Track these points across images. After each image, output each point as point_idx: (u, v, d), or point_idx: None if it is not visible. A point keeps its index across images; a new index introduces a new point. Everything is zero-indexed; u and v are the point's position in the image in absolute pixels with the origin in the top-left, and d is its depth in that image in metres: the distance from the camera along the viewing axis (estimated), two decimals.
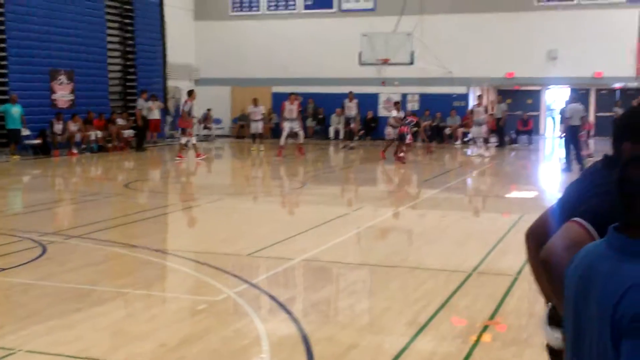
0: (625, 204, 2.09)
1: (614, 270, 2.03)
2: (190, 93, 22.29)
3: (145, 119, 25.81)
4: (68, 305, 6.64)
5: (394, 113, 23.19)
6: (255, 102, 26.04)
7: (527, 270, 8.02)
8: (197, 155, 22.02)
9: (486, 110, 23.78)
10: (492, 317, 6.54)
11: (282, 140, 23.26)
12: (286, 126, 23.20)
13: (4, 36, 22.22)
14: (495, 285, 7.63)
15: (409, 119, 22.26)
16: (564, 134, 19.47)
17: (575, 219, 2.68)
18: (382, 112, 30.20)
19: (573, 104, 19.59)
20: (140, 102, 25.97)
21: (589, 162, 18.74)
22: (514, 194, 16.14)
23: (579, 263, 2.21)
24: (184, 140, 22.04)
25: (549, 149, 28.76)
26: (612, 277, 2.02)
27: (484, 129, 23.49)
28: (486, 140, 24.12)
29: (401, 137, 21.73)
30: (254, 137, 25.88)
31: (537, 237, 3.08)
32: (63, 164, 21.36)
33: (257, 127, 25.77)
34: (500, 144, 27.41)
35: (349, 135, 27.03)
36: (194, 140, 22.29)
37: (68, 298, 6.90)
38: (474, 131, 23.65)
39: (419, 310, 6.66)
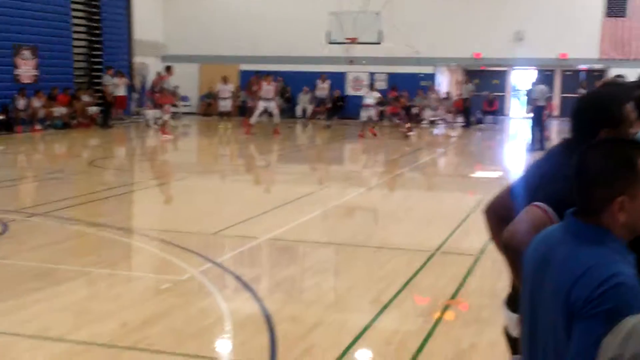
0: (581, 190, 2.13)
1: (569, 254, 2.08)
2: (169, 69, 22.17)
3: (111, 96, 25.56)
4: (28, 284, 6.59)
5: (374, 94, 23.45)
6: (224, 80, 26.02)
7: (490, 249, 8.14)
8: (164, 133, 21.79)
9: (447, 95, 24.11)
10: (454, 296, 6.62)
11: (254, 119, 23.18)
12: (261, 105, 23.13)
13: None
14: (458, 264, 7.71)
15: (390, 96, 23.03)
16: (531, 115, 19.66)
17: (537, 203, 2.72)
18: (349, 91, 30.19)
19: (539, 85, 19.76)
20: (107, 78, 25.61)
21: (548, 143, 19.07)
22: (479, 174, 16.28)
23: (536, 246, 2.26)
24: (166, 116, 22.14)
25: (515, 129, 29.00)
26: (568, 261, 2.07)
27: (439, 112, 23.83)
28: (445, 121, 24.54)
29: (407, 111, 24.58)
30: (221, 114, 25.79)
31: (496, 213, 3.14)
32: (26, 141, 21.06)
33: (226, 105, 25.72)
34: (467, 124, 27.58)
35: (326, 114, 27.23)
36: (167, 117, 22.26)
37: (29, 277, 6.84)
38: (427, 114, 24.02)
39: (383, 288, 6.72)
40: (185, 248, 8.06)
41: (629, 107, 2.79)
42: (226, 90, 26.02)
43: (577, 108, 2.88)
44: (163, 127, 21.92)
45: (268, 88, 22.97)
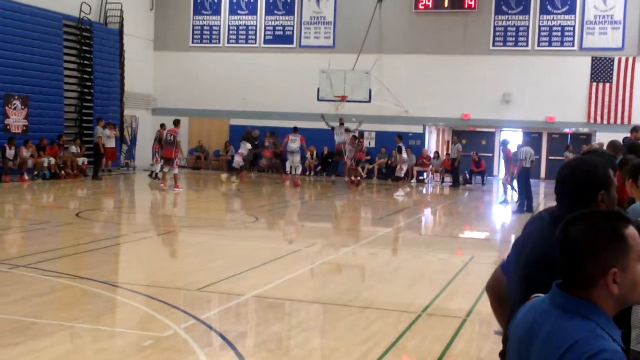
0: (569, 265, 2.12)
1: (555, 328, 2.06)
2: (177, 123, 22.21)
3: (104, 147, 25.66)
4: (8, 338, 6.48)
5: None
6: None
7: (477, 311, 8.11)
8: (162, 183, 22.06)
9: (400, 152, 24.63)
10: (440, 358, 6.55)
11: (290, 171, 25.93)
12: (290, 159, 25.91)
13: None
14: (444, 326, 7.66)
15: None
16: (518, 176, 19.75)
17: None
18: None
19: (526, 146, 19.95)
20: (98, 130, 25.67)
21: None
22: (467, 234, 16.29)
23: (522, 317, 2.24)
24: (176, 169, 22.24)
25: (502, 190, 29.12)
26: (554, 335, 2.05)
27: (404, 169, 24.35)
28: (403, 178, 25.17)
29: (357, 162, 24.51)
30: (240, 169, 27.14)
31: (494, 291, 3.25)
32: (13, 190, 20.96)
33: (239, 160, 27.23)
34: (455, 184, 27.72)
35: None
36: (168, 169, 22.34)
37: (8, 331, 6.73)
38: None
39: (368, 350, 6.65)
40: (170, 304, 7.98)
41: (611, 172, 2.93)
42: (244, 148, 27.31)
43: (568, 176, 2.92)
44: (172, 181, 22.09)
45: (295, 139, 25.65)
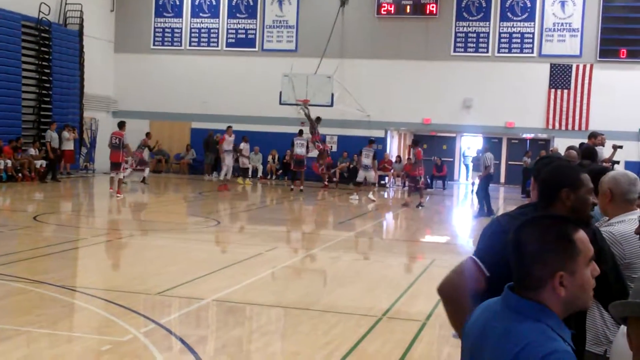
0: (519, 266, 2.16)
1: (507, 330, 2.09)
2: (122, 125, 21.03)
3: (56, 150, 25.19)
4: None
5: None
6: (245, 140, 27.83)
7: (437, 314, 8.16)
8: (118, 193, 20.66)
9: (374, 157, 24.48)
10: None
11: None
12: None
13: None
14: (404, 330, 7.70)
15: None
16: (483, 181, 19.94)
17: (473, 256, 3.04)
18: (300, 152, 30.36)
19: (488, 152, 20.19)
20: (49, 134, 25.24)
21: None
22: (427, 238, 16.41)
23: (476, 319, 2.27)
24: (122, 174, 21.16)
25: (463, 194, 29.43)
26: (506, 337, 2.08)
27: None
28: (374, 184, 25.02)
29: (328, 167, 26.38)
30: (243, 171, 27.81)
31: (450, 293, 3.20)
32: None
33: (245, 162, 28.13)
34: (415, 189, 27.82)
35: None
36: (124, 174, 21.55)
37: None
38: (360, 175, 24.26)
39: (328, 354, 6.66)
40: (129, 308, 7.90)
41: (587, 177, 3.03)
42: (247, 149, 27.83)
43: (537, 176, 3.09)
44: (118, 186, 20.81)
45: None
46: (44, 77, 27.17)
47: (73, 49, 28.54)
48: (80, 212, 18.82)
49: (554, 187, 2.95)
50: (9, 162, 23.75)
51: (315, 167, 26.72)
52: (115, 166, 20.53)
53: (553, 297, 2.09)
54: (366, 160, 23.72)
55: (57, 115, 27.27)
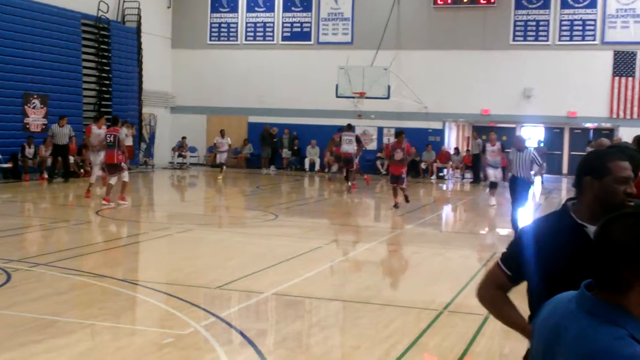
0: (604, 266, 2.00)
1: (583, 332, 1.96)
2: (117, 121, 18.39)
3: (56, 146, 22.38)
4: (29, 336, 6.47)
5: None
6: (222, 134, 26.14)
7: None
8: (117, 198, 17.39)
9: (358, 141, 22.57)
10: (462, 356, 6.46)
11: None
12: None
13: None
14: (466, 324, 7.56)
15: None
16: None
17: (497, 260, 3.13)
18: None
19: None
20: (54, 128, 22.65)
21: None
22: (487, 231, 16.15)
23: (547, 316, 2.14)
24: (126, 176, 17.74)
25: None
26: (582, 339, 1.95)
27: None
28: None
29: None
30: (220, 166, 25.87)
31: (491, 300, 3.29)
32: (33, 189, 21.07)
33: (222, 157, 26.12)
34: (475, 180, 27.47)
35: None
36: (126, 175, 17.86)
37: (29, 329, 6.71)
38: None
39: (388, 349, 6.57)
40: (189, 301, 7.94)
41: (621, 164, 2.85)
42: (224, 143, 26.44)
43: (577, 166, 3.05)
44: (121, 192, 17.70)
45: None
46: (103, 75, 27.65)
47: (131, 45, 28.96)
48: (141, 207, 19.07)
49: (578, 175, 2.87)
50: (72, 159, 24.21)
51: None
52: (112, 168, 17.38)
53: (637, 300, 1.95)
54: (348, 146, 21.73)
55: (117, 112, 27.69)
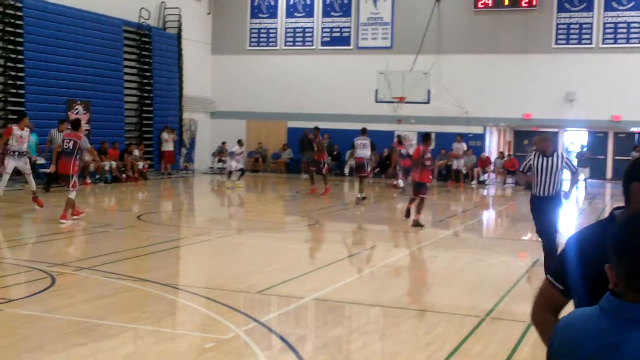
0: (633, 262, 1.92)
1: (617, 342, 1.87)
2: (78, 125, 15.58)
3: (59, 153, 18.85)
4: (73, 339, 6.54)
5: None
6: (240, 143, 25.95)
7: None
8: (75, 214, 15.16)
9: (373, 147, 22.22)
10: None
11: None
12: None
13: (22, 65, 22.43)
14: (508, 331, 7.46)
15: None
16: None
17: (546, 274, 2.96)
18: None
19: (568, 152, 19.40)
20: (52, 133, 20.33)
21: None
22: (529, 237, 15.92)
23: (580, 341, 2.01)
24: (73, 193, 14.89)
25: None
26: (617, 349, 1.86)
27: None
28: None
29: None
30: (230, 173, 25.74)
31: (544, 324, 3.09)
32: (77, 193, 21.30)
33: (237, 165, 25.90)
34: (518, 184, 27.06)
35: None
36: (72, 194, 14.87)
37: (74, 332, 6.79)
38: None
39: (430, 355, 6.51)
40: (230, 306, 7.96)
41: None
42: (240, 151, 26.32)
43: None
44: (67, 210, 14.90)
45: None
46: (144, 81, 27.97)
47: (172, 52, 29.27)
48: (181, 212, 19.23)
49: (625, 182, 2.74)
50: (114, 164, 24.54)
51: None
52: (65, 179, 14.91)
53: None
54: (363, 151, 20.41)
55: (158, 117, 28.09)
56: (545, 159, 10.09)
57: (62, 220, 14.39)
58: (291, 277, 9.79)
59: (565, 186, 10.60)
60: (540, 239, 10.44)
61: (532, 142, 26.80)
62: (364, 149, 20.51)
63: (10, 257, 10.58)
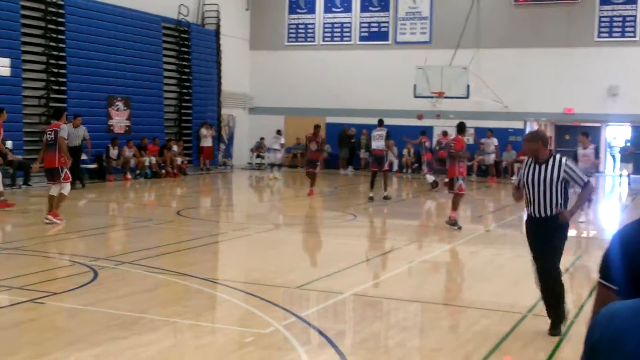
0: None
1: None
2: (60, 114, 14.64)
3: (71, 149, 17.68)
4: (115, 332, 6.61)
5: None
6: (279, 132, 26.68)
7: (585, 313, 7.75)
8: (52, 215, 13.49)
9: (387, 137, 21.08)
10: None
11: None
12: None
13: (64, 62, 22.73)
14: None
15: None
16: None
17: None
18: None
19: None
20: (64, 128, 19.10)
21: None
22: (571, 233, 15.69)
23: (607, 326, 1.95)
24: (66, 188, 13.77)
25: (609, 186, 28.08)
26: None
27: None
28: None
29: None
30: (271, 166, 26.38)
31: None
32: (117, 189, 21.62)
33: (275, 157, 26.75)
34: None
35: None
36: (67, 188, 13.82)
37: (115, 325, 6.87)
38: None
39: (471, 351, 6.45)
40: (269, 301, 7.98)
41: None
42: (277, 143, 26.79)
43: None
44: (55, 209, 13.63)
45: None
46: (183, 77, 28.18)
47: (211, 47, 29.44)
48: (220, 207, 19.34)
49: None
50: (153, 159, 24.79)
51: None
52: (51, 174, 13.68)
53: None
54: (378, 143, 19.39)
55: (197, 113, 28.30)
56: (537, 167, 7.23)
57: (52, 218, 13.28)
58: (330, 272, 9.78)
59: (573, 203, 7.43)
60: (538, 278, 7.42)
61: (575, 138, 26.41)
62: (380, 141, 19.56)
63: (53, 252, 10.73)
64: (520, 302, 8.36)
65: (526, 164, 7.43)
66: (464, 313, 7.96)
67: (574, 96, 27.86)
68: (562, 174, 7.13)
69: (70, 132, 18.94)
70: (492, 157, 28.05)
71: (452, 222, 14.31)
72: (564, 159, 7.21)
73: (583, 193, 7.42)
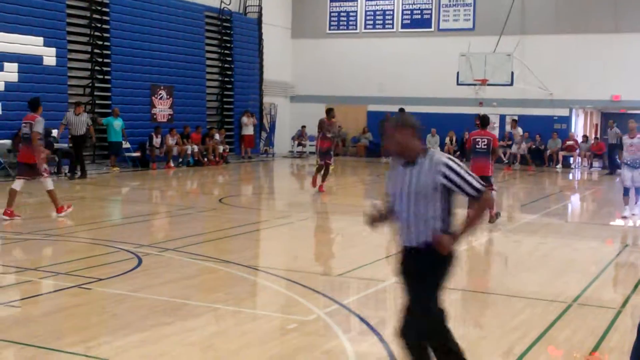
0: None
1: None
2: (36, 105, 12.62)
3: (76, 137, 19.88)
4: (160, 318, 6.68)
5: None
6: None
7: (632, 304, 7.62)
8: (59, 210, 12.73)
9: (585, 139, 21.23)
10: (593, 351, 6.18)
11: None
12: None
13: (108, 52, 22.98)
14: (597, 317, 7.25)
15: None
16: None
17: None
18: None
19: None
20: (68, 116, 19.91)
21: None
22: (618, 222, 15.45)
23: None
24: (49, 182, 12.56)
25: None
26: None
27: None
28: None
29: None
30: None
31: None
32: (160, 177, 21.84)
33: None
34: (611, 171, 26.03)
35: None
36: (49, 183, 12.61)
37: (160, 311, 6.94)
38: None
39: (516, 340, 6.38)
40: (311, 288, 7.99)
41: None
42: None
43: None
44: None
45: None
46: (225, 65, 28.30)
47: (253, 36, 29.51)
48: (262, 195, 19.41)
49: None
50: (196, 148, 24.97)
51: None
52: (28, 169, 12.49)
53: None
54: None
55: (238, 102, 28.42)
56: (405, 171, 4.73)
57: (62, 213, 12.64)
58: (372, 260, 9.76)
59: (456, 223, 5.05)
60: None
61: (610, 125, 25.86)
62: None
63: (99, 238, 10.88)
64: (565, 292, 8.24)
65: (392, 167, 4.90)
66: (509, 302, 7.87)
67: (622, 83, 27.31)
68: (439, 179, 4.59)
69: (72, 120, 19.89)
70: (522, 146, 27.67)
71: (495, 217, 13.42)
72: (443, 157, 4.63)
73: (477, 207, 4.90)
